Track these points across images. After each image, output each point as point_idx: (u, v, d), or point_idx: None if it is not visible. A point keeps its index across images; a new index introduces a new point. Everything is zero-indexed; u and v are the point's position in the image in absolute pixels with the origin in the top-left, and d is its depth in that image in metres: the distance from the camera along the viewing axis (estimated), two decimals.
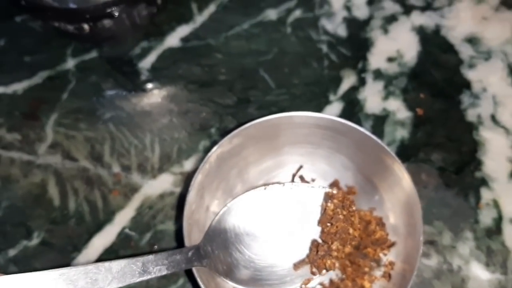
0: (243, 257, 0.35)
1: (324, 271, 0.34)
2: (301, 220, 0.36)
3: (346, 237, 0.35)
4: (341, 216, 0.34)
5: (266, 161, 0.41)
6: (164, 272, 0.31)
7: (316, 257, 0.34)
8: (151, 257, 0.30)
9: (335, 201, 0.35)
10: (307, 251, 0.35)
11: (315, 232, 0.36)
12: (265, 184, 0.37)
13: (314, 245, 0.35)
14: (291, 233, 0.36)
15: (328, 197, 0.35)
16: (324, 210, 0.35)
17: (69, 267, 0.26)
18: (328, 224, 0.35)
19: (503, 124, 0.46)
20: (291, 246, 0.36)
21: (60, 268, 0.26)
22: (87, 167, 0.44)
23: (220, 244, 0.35)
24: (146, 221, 0.42)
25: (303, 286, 0.37)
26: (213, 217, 0.36)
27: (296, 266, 0.35)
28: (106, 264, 0.28)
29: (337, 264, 0.35)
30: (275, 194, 0.36)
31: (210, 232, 0.35)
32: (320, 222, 0.35)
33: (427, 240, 0.41)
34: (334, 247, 0.34)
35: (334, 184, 0.40)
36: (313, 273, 0.35)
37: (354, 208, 0.35)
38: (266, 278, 0.35)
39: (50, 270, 0.26)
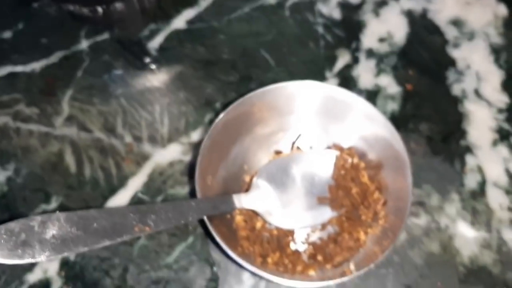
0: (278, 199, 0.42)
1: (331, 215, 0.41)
2: (318, 175, 0.43)
3: (349, 193, 0.42)
4: (348, 166, 0.42)
5: (268, 128, 0.44)
6: (229, 209, 0.39)
7: (336, 196, 0.42)
8: (219, 197, 0.38)
9: (344, 154, 0.42)
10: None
11: (330, 183, 0.43)
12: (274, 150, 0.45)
13: (331, 187, 0.42)
14: (312, 184, 0.43)
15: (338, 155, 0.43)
16: (335, 164, 0.43)
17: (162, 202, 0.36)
18: (342, 172, 0.42)
19: (486, 98, 0.49)
20: (313, 193, 0.42)
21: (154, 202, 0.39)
22: (101, 138, 0.47)
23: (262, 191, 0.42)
24: (157, 186, 0.45)
25: (304, 240, 0.41)
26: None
27: (320, 199, 0.42)
28: (189, 200, 0.36)
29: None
30: (297, 158, 0.43)
31: (253, 184, 0.42)
32: (333, 174, 0.43)
33: (416, 201, 0.44)
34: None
35: (335, 146, 0.44)
36: (333, 208, 0.42)
37: (363, 165, 0.42)
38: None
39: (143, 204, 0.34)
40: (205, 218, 0.36)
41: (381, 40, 0.53)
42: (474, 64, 0.51)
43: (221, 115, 0.40)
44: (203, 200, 0.37)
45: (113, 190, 0.44)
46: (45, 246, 0.29)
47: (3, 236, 0.28)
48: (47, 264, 0.41)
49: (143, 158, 0.46)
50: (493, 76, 0.51)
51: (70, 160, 0.46)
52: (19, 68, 0.51)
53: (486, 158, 0.46)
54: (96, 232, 0.31)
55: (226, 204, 0.38)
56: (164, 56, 0.52)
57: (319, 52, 0.52)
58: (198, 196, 0.37)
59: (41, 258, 0.29)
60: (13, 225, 0.29)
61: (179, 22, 0.54)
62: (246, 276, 0.41)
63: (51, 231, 0.30)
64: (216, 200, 0.38)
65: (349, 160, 0.43)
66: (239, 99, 0.41)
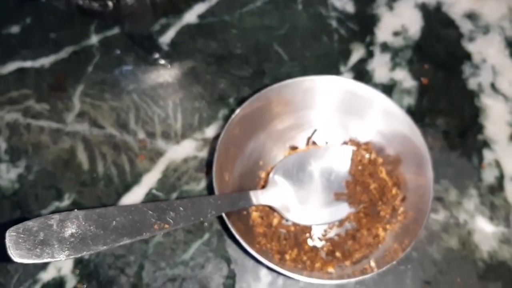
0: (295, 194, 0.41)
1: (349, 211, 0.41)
2: (335, 171, 0.43)
3: (367, 189, 0.41)
4: (365, 161, 0.41)
5: (284, 123, 0.43)
6: (247, 206, 0.38)
7: (354, 192, 0.41)
8: (236, 194, 0.37)
9: (361, 149, 0.42)
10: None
11: (347, 178, 0.43)
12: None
13: (349, 183, 0.42)
14: (328, 180, 0.42)
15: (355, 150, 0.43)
16: (352, 160, 0.43)
17: (180, 199, 0.33)
18: (360, 167, 0.42)
19: (502, 92, 0.49)
20: (330, 189, 0.42)
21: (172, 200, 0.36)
22: (114, 134, 0.46)
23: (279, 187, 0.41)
24: (171, 183, 0.44)
25: (322, 236, 0.41)
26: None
27: (337, 195, 0.41)
28: (207, 197, 0.35)
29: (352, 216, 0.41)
30: (313, 153, 0.43)
31: (270, 181, 0.41)
32: (350, 170, 0.42)
33: (434, 196, 0.43)
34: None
35: (351, 141, 0.43)
36: (351, 204, 0.41)
37: (381, 160, 0.42)
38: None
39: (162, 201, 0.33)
40: (223, 214, 0.35)
41: (396, 34, 0.52)
42: (490, 58, 0.51)
43: (237, 111, 0.39)
44: (221, 197, 0.36)
45: (127, 187, 0.44)
46: (64, 245, 0.28)
47: (21, 236, 0.27)
48: (61, 262, 0.40)
49: (157, 155, 0.45)
50: (509, 70, 0.50)
51: (82, 156, 0.45)
52: (28, 64, 0.50)
53: (503, 153, 0.46)
54: (115, 230, 0.30)
55: (243, 200, 0.38)
56: (176, 51, 0.51)
57: (333, 46, 0.51)
58: (215, 192, 0.36)
59: (60, 257, 0.28)
60: (31, 223, 0.28)
61: (191, 16, 0.53)
62: (263, 272, 0.40)
63: (70, 230, 0.29)
64: (233, 197, 0.37)
65: (366, 155, 0.43)
66: (255, 94, 0.40)
